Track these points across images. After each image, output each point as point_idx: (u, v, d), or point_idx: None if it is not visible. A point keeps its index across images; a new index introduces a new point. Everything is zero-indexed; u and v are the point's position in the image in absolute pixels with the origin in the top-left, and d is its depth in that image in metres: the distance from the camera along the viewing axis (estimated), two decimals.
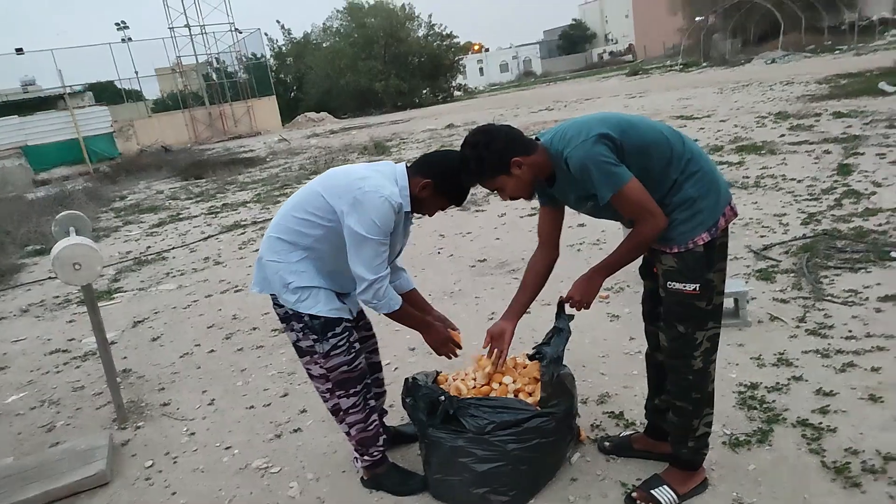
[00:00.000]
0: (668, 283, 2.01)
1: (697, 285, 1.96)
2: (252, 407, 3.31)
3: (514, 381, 2.32)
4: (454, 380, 2.43)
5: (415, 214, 2.32)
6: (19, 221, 10.64)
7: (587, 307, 2.14)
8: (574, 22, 71.71)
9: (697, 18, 33.73)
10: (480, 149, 1.99)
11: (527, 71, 64.93)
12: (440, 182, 2.19)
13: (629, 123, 1.95)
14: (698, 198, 1.94)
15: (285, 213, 2.28)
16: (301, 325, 2.26)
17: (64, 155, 21.27)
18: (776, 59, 24.13)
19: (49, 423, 3.50)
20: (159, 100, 36.15)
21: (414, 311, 2.39)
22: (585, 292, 2.11)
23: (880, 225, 4.48)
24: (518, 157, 1.97)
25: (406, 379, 2.43)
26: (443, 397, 2.26)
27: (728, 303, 3.39)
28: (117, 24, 35.11)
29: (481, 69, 66.54)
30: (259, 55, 35.65)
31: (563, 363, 2.34)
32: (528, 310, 2.31)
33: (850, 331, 3.09)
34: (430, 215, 2.35)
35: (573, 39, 70.01)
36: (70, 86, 24.62)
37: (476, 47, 67.10)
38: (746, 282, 3.83)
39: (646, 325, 2.32)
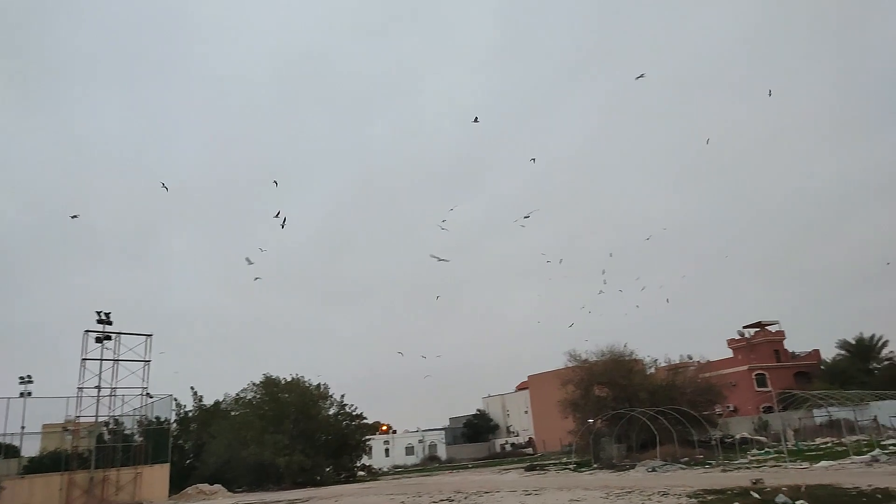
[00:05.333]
0: None
1: None
2: None
3: None
4: None
5: None
6: None
7: None
8: (478, 412, 75.81)
9: (589, 421, 36.92)
10: None
11: (432, 455, 65.72)
12: None
13: None
14: None
15: None
16: None
17: None
18: (656, 467, 26.18)
19: None
20: (35, 458, 33.58)
21: None
22: None
23: None
24: None
25: None
26: None
27: None
28: (22, 377, 34.18)
29: (387, 450, 66.93)
30: (162, 419, 35.33)
31: None
32: None
33: None
34: None
35: (477, 429, 73.09)
36: None
37: (384, 427, 68.61)
38: None
39: None
